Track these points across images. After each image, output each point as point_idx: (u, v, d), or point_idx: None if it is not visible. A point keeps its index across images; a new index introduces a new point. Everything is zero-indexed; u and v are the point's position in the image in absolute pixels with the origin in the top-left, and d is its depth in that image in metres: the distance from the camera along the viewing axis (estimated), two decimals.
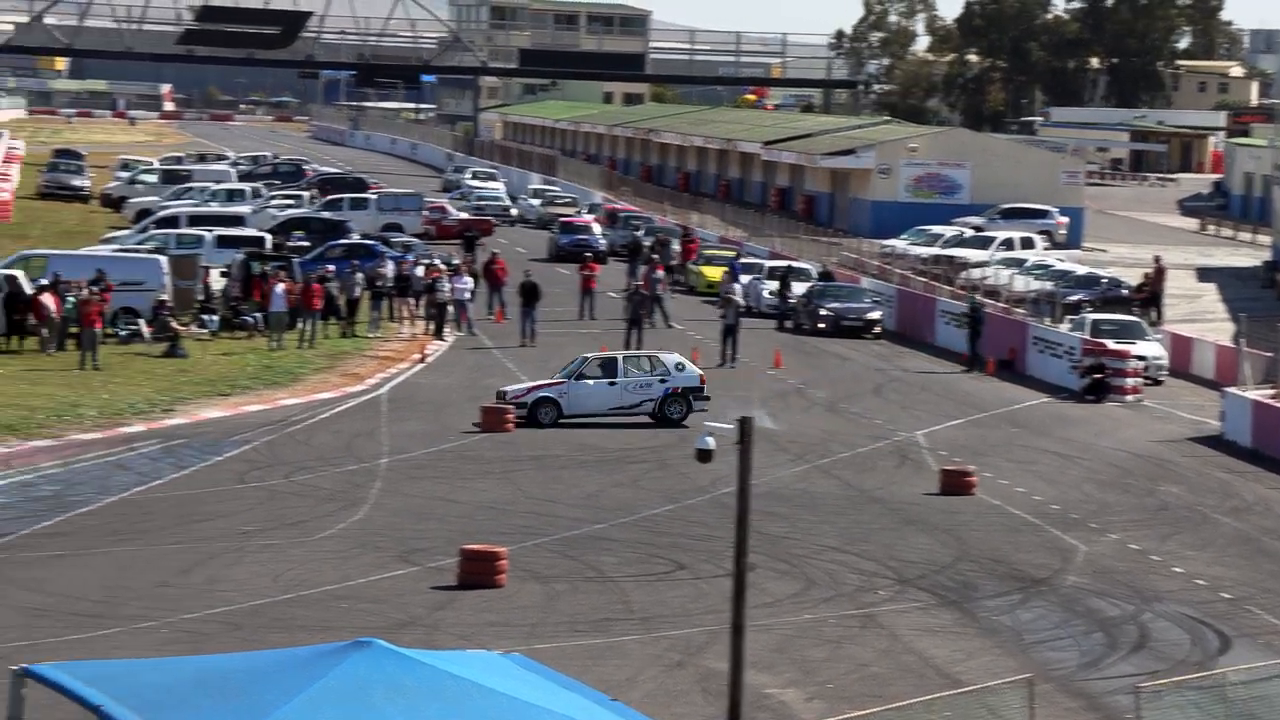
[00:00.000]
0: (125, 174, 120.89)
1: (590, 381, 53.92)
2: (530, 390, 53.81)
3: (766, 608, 34.67)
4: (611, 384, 53.88)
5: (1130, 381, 63.04)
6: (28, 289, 62.91)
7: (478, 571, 37.02)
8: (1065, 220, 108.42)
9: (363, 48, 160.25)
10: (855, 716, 27.46)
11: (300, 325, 66.51)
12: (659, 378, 54.19)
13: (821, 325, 74.91)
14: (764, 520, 38.06)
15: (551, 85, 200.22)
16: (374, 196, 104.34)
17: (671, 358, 55.47)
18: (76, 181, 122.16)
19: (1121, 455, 54.01)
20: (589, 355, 56.56)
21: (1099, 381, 62.99)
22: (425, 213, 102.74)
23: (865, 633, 35.65)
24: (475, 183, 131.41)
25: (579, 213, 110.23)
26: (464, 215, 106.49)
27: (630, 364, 55.03)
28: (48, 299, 62.34)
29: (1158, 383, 64.92)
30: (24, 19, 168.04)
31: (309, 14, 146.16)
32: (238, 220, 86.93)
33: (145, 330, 64.42)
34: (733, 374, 63.88)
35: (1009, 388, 65.05)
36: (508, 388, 54.54)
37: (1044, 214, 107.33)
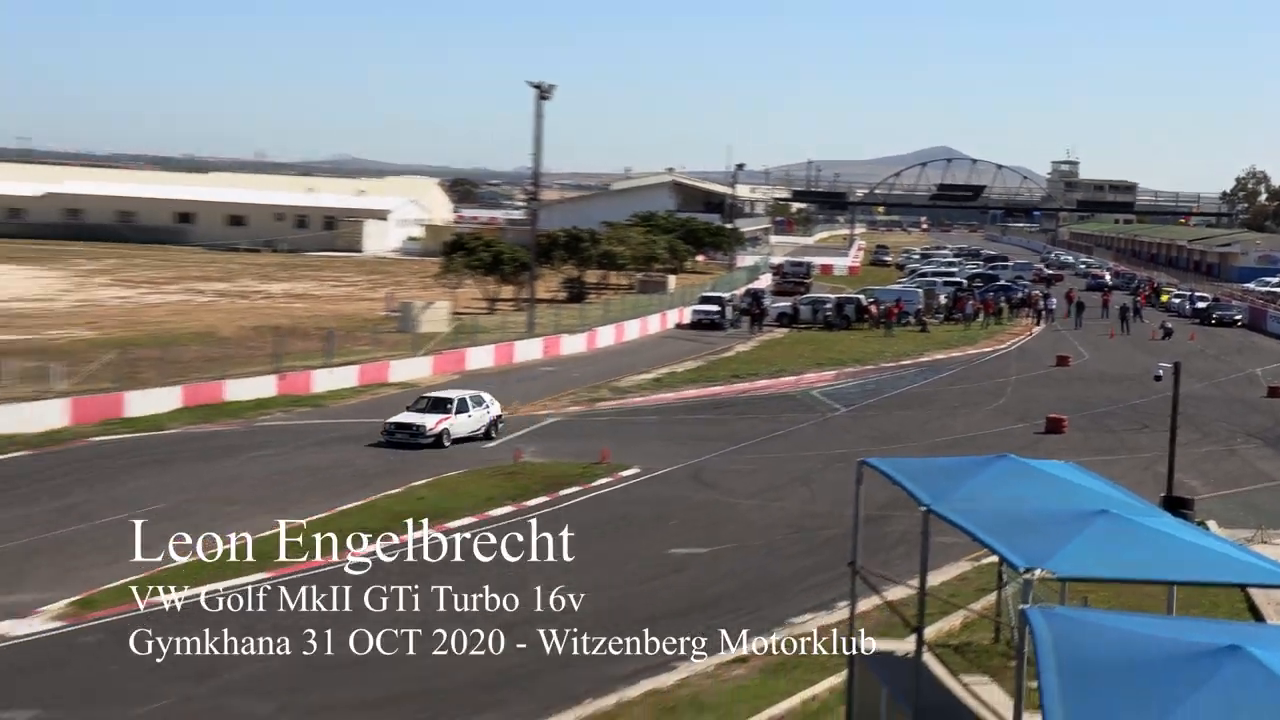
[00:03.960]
0: (904, 254, 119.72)
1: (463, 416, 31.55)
2: (439, 422, 30.95)
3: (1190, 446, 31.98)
4: (469, 416, 31.67)
5: None
6: (865, 302, 63.32)
7: (1054, 426, 35.56)
8: None
9: (1007, 198, 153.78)
10: None
11: (980, 319, 64.89)
12: (486, 409, 31.99)
13: (1214, 322, 68.44)
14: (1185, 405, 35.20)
15: (1090, 216, 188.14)
16: (1010, 263, 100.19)
17: (486, 395, 32.97)
18: (886, 258, 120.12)
19: None
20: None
21: None
22: (1033, 270, 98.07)
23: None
24: (1053, 256, 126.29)
25: (1100, 267, 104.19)
26: (1050, 272, 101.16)
27: (472, 401, 32.18)
28: (873, 307, 62.60)
29: None
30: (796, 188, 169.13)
31: (984, 186, 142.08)
32: (950, 273, 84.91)
33: (913, 320, 63.86)
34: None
35: None
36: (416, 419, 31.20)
37: None
